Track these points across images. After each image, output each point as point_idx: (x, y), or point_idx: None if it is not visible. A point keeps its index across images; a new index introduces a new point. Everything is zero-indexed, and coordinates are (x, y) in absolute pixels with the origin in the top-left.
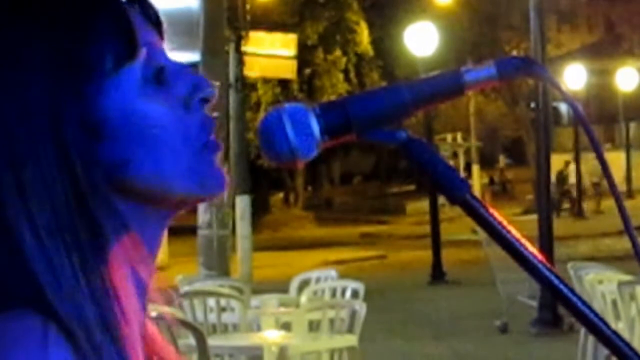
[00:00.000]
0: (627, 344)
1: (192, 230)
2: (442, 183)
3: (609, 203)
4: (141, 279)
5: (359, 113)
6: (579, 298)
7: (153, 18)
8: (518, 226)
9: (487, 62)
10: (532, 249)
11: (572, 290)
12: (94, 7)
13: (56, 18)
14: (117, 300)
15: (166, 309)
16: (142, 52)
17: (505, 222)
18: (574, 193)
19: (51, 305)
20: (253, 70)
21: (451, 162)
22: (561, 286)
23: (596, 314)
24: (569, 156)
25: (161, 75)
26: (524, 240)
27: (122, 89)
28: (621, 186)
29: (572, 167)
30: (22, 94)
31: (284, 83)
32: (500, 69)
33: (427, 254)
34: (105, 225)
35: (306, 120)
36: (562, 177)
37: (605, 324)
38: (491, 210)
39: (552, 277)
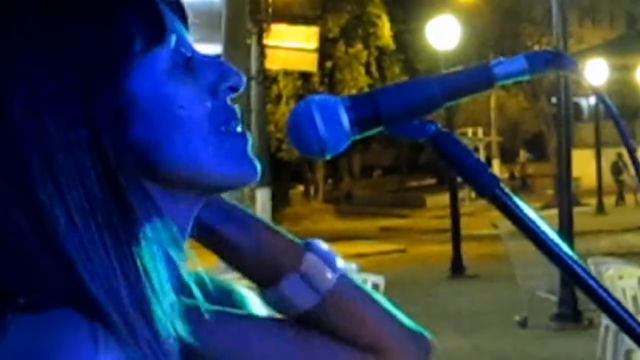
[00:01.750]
0: None
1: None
2: (472, 177)
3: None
4: (173, 262)
5: (388, 106)
6: (607, 292)
7: (180, 10)
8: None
9: (517, 56)
10: (563, 244)
11: (599, 284)
12: None
13: (79, 7)
14: (149, 281)
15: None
16: (172, 37)
17: (534, 216)
18: (631, 184)
19: (87, 291)
20: (274, 63)
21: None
22: (589, 280)
23: (622, 306)
24: (590, 151)
25: (189, 63)
26: (553, 235)
27: (151, 71)
28: None
29: (625, 158)
30: (53, 77)
31: (305, 76)
32: (530, 62)
33: (447, 248)
34: (137, 207)
35: (336, 112)
36: (617, 169)
37: (630, 315)
38: (520, 203)
39: (581, 272)
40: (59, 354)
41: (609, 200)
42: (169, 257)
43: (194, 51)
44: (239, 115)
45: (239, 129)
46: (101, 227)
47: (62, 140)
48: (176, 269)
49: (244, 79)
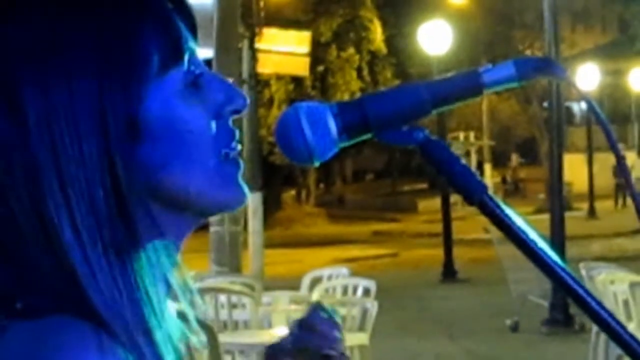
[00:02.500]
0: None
1: (203, 227)
2: (460, 184)
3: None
4: (170, 284)
5: (377, 112)
6: (596, 300)
7: (193, 26)
8: (530, 225)
9: (506, 62)
10: (550, 251)
11: (588, 292)
12: (142, 9)
13: (104, 18)
14: (150, 303)
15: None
16: (186, 58)
17: (523, 223)
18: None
19: (91, 302)
20: (266, 67)
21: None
22: (578, 288)
23: (611, 315)
24: (582, 156)
25: (199, 82)
26: (541, 242)
27: (166, 92)
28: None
29: (627, 161)
30: (70, 92)
31: (297, 80)
32: (519, 69)
33: (438, 252)
34: (141, 228)
35: (324, 119)
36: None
37: (620, 324)
38: (508, 210)
39: (570, 280)
40: (61, 358)
41: (601, 205)
42: (167, 279)
43: (203, 68)
44: (236, 136)
45: (235, 153)
46: (106, 244)
47: (74, 152)
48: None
49: (247, 101)
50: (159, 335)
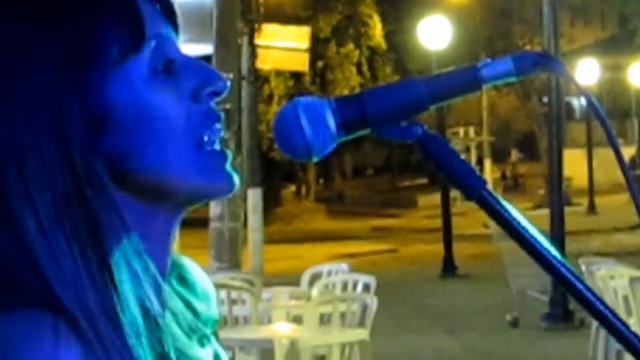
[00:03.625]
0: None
1: (203, 223)
2: (458, 179)
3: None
4: (151, 273)
5: (375, 108)
6: (596, 296)
7: (168, 10)
8: (529, 221)
9: (504, 57)
10: (550, 246)
11: (588, 288)
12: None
13: (59, 8)
14: (115, 289)
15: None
16: (151, 44)
17: (522, 219)
18: None
19: (54, 292)
20: (266, 62)
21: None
22: (578, 284)
23: (611, 310)
24: (581, 151)
25: (170, 67)
26: (541, 237)
27: (127, 80)
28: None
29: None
30: (25, 85)
31: (296, 76)
32: (517, 64)
33: (438, 248)
34: (103, 219)
35: (322, 114)
36: (633, 164)
37: (619, 319)
38: (508, 206)
39: (569, 276)
40: (20, 349)
41: (601, 200)
42: (147, 268)
43: (178, 53)
44: (218, 118)
45: (217, 146)
46: (68, 235)
47: (33, 147)
48: (157, 279)
49: (228, 82)
50: (126, 321)
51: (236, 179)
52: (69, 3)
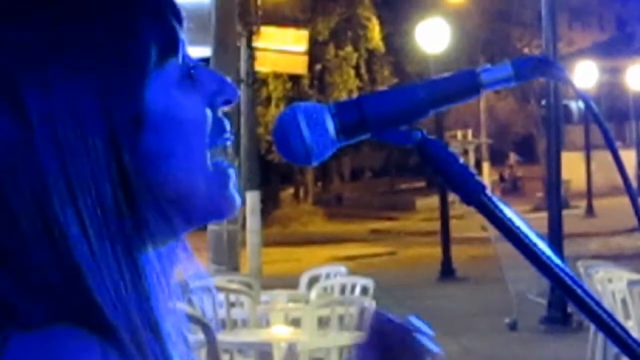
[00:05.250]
0: (638, 343)
1: (201, 225)
2: (458, 184)
3: (619, 200)
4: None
5: (374, 113)
6: (595, 299)
7: (180, 19)
8: (528, 223)
9: (503, 62)
10: (549, 252)
11: (588, 292)
12: (137, 4)
13: (102, 15)
14: (156, 296)
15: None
16: (182, 48)
17: (521, 223)
18: None
19: (95, 303)
20: (264, 65)
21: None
22: (577, 289)
23: (609, 314)
24: (579, 154)
25: (193, 73)
26: (540, 243)
27: (166, 82)
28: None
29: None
30: (73, 91)
31: (294, 78)
32: (516, 69)
33: (436, 251)
34: (150, 221)
35: (322, 119)
36: None
37: (618, 322)
38: (507, 210)
39: (569, 281)
40: None
41: (599, 203)
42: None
43: (191, 59)
44: (229, 128)
45: (226, 163)
46: (113, 238)
47: (79, 149)
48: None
49: (238, 92)
50: (166, 328)
51: (238, 202)
52: (112, 7)
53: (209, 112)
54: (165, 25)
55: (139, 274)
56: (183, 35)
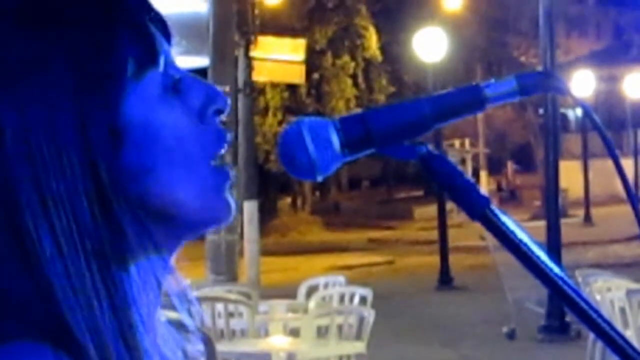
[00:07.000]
0: (638, 352)
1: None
2: (462, 198)
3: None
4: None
5: (379, 127)
6: (594, 308)
7: (164, 28)
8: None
9: (508, 77)
10: (554, 266)
11: (587, 302)
12: (114, 16)
13: (77, 30)
14: (138, 311)
15: (174, 314)
16: (162, 60)
17: (526, 238)
18: None
19: (63, 319)
20: (261, 74)
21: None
22: (579, 300)
23: (608, 323)
24: (577, 162)
25: (177, 85)
26: (545, 257)
27: (144, 96)
28: None
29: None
30: (47, 106)
31: (292, 88)
32: (520, 84)
33: (434, 260)
34: (130, 233)
35: (326, 134)
36: None
37: (617, 331)
38: (511, 224)
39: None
40: None
41: (597, 211)
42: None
43: (179, 71)
44: (227, 136)
45: (224, 160)
46: (89, 254)
47: (53, 161)
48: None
49: (229, 99)
50: (145, 344)
51: (233, 205)
52: (87, 21)
53: (198, 125)
54: (142, 36)
55: (116, 289)
56: (167, 46)
